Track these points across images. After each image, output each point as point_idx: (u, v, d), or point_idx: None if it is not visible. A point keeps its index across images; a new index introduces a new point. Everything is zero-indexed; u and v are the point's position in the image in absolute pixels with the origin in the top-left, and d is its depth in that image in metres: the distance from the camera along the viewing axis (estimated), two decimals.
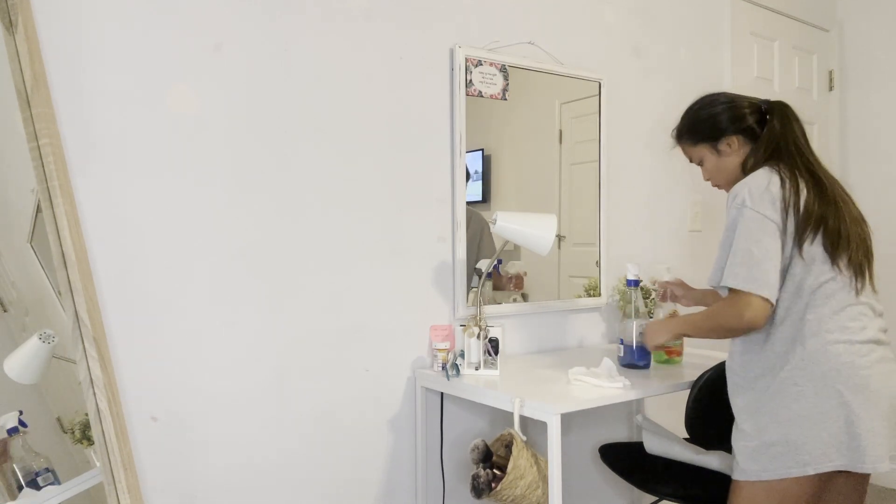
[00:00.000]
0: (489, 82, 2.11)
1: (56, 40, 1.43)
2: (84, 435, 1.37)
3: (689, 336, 1.70)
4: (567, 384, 1.74)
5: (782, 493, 1.46)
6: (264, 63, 1.72)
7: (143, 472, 1.51)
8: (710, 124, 1.68)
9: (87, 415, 1.32)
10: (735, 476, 1.54)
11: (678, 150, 1.80)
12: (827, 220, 1.48)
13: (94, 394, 1.26)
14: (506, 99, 2.15)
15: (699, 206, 2.79)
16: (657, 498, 1.88)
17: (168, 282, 1.58)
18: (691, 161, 1.77)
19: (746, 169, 1.60)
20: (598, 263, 2.43)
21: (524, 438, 1.66)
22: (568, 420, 2.35)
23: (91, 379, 1.26)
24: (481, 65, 2.09)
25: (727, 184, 1.69)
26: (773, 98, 1.69)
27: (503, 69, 2.14)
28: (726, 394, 1.59)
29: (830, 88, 3.40)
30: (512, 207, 2.18)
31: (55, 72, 1.42)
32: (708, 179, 1.74)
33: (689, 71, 2.76)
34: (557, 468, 1.54)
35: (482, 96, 2.09)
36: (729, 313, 1.49)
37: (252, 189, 1.70)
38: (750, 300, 1.44)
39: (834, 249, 1.47)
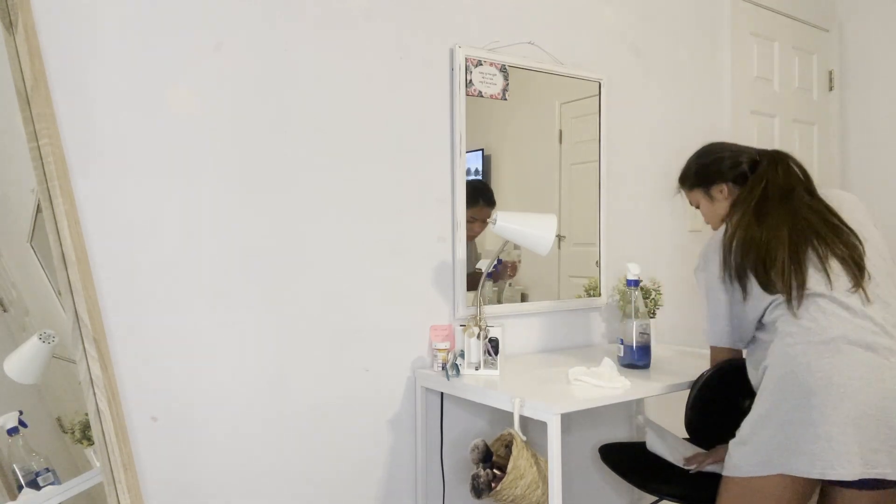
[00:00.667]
0: (489, 82, 2.11)
1: (56, 40, 1.43)
2: (84, 435, 1.37)
3: None
4: (567, 384, 1.74)
5: (756, 490, 1.47)
6: (264, 63, 1.71)
7: (142, 471, 1.51)
8: (706, 171, 1.80)
9: (86, 415, 1.32)
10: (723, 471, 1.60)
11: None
12: (749, 250, 1.56)
13: (94, 394, 1.26)
14: (506, 99, 2.15)
15: None
16: (657, 498, 1.88)
17: (168, 282, 1.57)
18: (691, 204, 1.89)
19: (725, 217, 1.74)
20: (598, 263, 2.43)
21: (524, 438, 1.66)
22: (568, 420, 2.35)
23: (91, 379, 1.26)
24: (481, 65, 2.09)
25: (715, 225, 1.82)
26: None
27: (503, 69, 2.14)
28: (726, 394, 1.60)
29: (830, 88, 3.40)
30: (512, 207, 2.18)
31: (55, 72, 1.42)
32: (707, 223, 1.86)
33: (689, 71, 2.76)
34: (557, 468, 1.54)
35: (482, 96, 2.09)
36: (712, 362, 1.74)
37: (252, 189, 1.70)
38: (718, 352, 1.72)
39: (765, 274, 1.53)
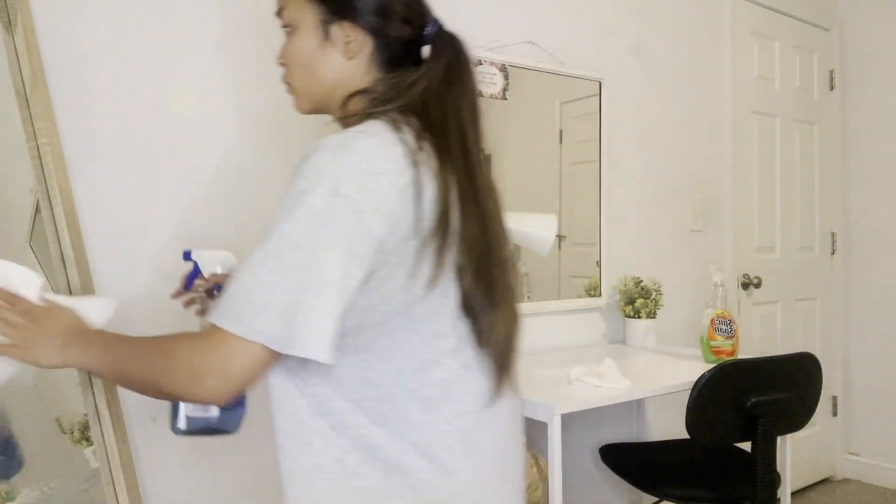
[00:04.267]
0: (489, 82, 2.11)
1: (55, 39, 1.42)
2: (83, 436, 1.37)
3: None
4: (568, 384, 1.74)
5: None
6: (264, 62, 1.71)
7: (142, 472, 1.51)
8: None
9: (86, 415, 1.31)
10: None
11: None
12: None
13: (94, 394, 1.26)
14: (506, 98, 2.15)
15: (699, 206, 2.79)
16: (658, 498, 1.88)
17: (168, 282, 1.57)
18: (278, 15, 1.01)
19: (353, 101, 0.96)
20: (598, 263, 2.43)
21: (524, 439, 1.66)
22: (568, 420, 2.35)
23: (90, 379, 1.26)
24: (481, 64, 2.08)
25: (307, 94, 1.03)
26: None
27: (503, 69, 2.14)
28: (726, 394, 1.59)
29: (831, 88, 3.39)
30: (512, 207, 2.18)
31: (54, 71, 1.41)
32: (282, 64, 1.03)
33: (690, 71, 2.76)
34: (558, 469, 1.54)
35: (482, 96, 2.09)
36: None
37: (252, 189, 1.69)
38: None
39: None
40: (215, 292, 1.26)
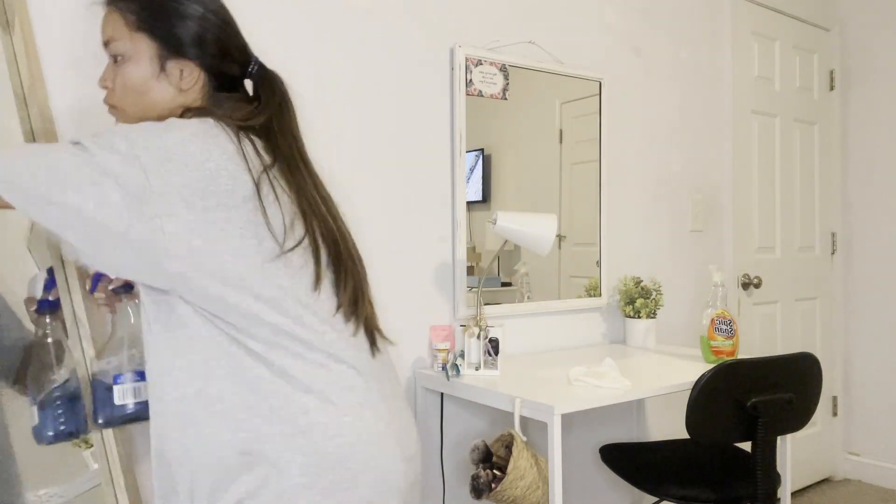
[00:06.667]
0: (489, 82, 2.10)
1: (53, 40, 1.42)
2: (83, 437, 1.36)
3: None
4: (568, 384, 1.74)
5: None
6: (264, 62, 1.71)
7: (142, 473, 1.51)
8: (183, 27, 1.06)
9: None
10: None
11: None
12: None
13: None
14: (506, 98, 2.15)
15: (700, 206, 2.79)
16: (658, 499, 1.87)
17: None
18: (107, 45, 1.07)
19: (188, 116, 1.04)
20: (598, 263, 2.42)
21: (524, 439, 1.66)
22: (568, 420, 2.35)
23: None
24: (481, 64, 2.08)
25: (135, 118, 1.08)
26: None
27: (503, 69, 2.13)
28: (726, 394, 1.59)
29: (831, 88, 3.39)
30: (512, 207, 2.18)
31: (53, 71, 1.41)
32: (105, 86, 1.08)
33: (690, 70, 2.76)
34: (558, 469, 1.54)
35: (482, 96, 2.09)
36: None
37: None
38: None
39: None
40: (122, 291, 1.29)
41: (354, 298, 1.09)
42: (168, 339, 0.98)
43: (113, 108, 1.09)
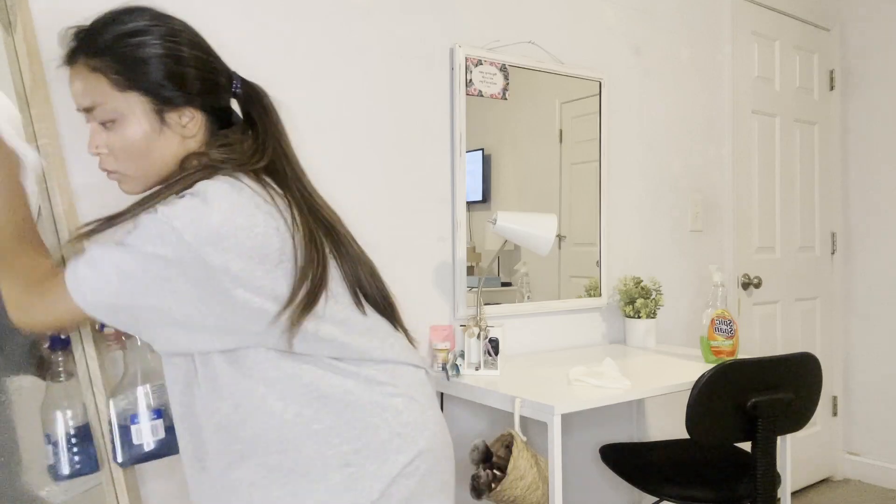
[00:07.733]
0: (489, 82, 2.11)
1: (55, 40, 1.42)
2: None
3: None
4: (567, 384, 1.74)
5: None
6: (263, 62, 1.71)
7: (142, 472, 1.51)
8: (170, 73, 1.00)
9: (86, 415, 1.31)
10: None
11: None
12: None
13: (94, 394, 1.26)
14: (506, 98, 2.15)
15: (699, 206, 2.79)
16: (658, 499, 1.88)
17: None
18: (90, 110, 1.02)
19: (189, 161, 1.03)
20: (598, 263, 2.43)
21: (524, 439, 1.66)
22: (568, 420, 2.35)
23: (90, 379, 1.26)
24: (481, 64, 2.08)
25: (142, 178, 1.04)
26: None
27: (503, 69, 2.14)
28: (726, 394, 1.59)
29: (831, 88, 3.39)
30: (512, 207, 2.18)
31: (54, 72, 1.41)
32: (99, 153, 1.03)
33: (690, 70, 2.76)
34: (558, 469, 1.54)
35: (482, 96, 2.09)
36: None
37: None
38: None
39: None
40: None
41: (387, 308, 1.22)
42: (241, 387, 0.98)
43: (113, 173, 1.05)
